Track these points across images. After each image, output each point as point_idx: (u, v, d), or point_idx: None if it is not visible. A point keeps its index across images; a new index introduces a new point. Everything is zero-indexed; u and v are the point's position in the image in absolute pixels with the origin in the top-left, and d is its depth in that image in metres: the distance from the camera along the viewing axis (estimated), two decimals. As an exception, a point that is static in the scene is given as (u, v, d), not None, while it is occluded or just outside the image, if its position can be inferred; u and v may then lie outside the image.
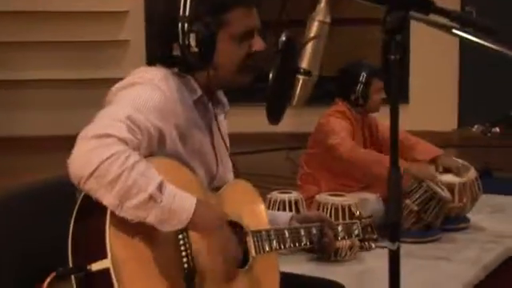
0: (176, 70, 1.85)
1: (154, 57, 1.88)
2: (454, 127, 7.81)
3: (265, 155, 7.08)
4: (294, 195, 3.48)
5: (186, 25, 1.78)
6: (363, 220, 2.27)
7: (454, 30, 1.60)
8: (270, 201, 3.44)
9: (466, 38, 1.65)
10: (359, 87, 3.81)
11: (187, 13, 1.78)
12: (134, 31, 7.43)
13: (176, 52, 1.82)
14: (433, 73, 7.57)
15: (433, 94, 7.59)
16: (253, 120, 6.33)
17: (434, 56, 7.46)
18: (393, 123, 1.44)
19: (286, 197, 3.44)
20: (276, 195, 3.47)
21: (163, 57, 1.85)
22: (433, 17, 1.57)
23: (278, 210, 3.38)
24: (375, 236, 2.27)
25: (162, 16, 1.87)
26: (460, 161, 4.02)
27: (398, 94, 1.46)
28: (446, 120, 7.72)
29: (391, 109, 1.44)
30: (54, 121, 7.42)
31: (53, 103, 7.58)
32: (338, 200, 3.40)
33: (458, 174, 3.91)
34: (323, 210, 3.36)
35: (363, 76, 3.82)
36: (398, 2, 1.46)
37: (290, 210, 3.38)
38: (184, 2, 1.79)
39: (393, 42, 1.45)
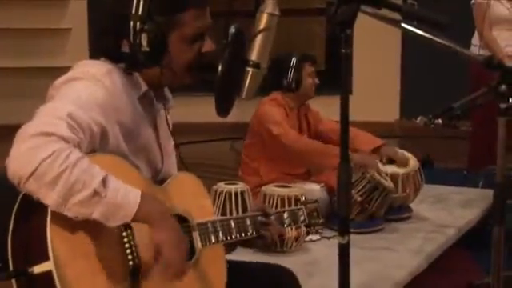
0: (122, 65, 1.82)
1: (100, 51, 1.85)
2: (396, 118, 7.92)
3: (209, 145, 7.07)
4: (240, 186, 3.47)
5: (138, 24, 1.75)
6: (308, 205, 2.27)
7: (403, 25, 1.62)
8: (215, 192, 3.42)
9: (414, 32, 1.67)
10: (291, 71, 3.86)
11: (140, 11, 1.75)
12: (76, 19, 7.31)
13: (125, 49, 1.79)
14: (375, 64, 7.66)
15: (375, 85, 7.69)
16: (197, 110, 6.31)
17: (377, 47, 7.55)
18: (343, 118, 1.44)
19: (232, 188, 3.43)
20: (222, 186, 3.46)
21: (111, 52, 1.82)
22: (381, 11, 1.58)
23: (224, 201, 3.36)
24: (321, 220, 2.29)
25: (110, 12, 1.83)
26: (402, 151, 4.08)
27: (348, 88, 1.46)
28: (389, 111, 7.83)
29: (341, 103, 1.45)
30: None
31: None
32: (283, 191, 3.41)
33: (399, 163, 3.95)
34: (269, 202, 3.37)
35: (294, 60, 3.89)
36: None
37: (236, 201, 3.37)
38: (137, 1, 1.75)
39: (343, 36, 1.45)
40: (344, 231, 1.48)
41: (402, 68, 7.89)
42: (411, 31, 1.68)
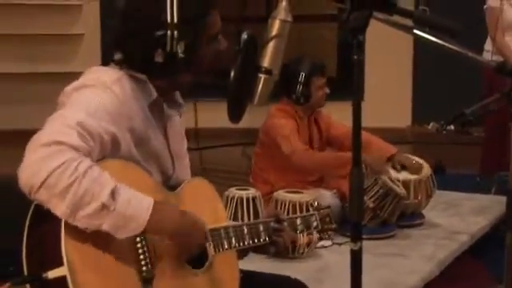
0: (143, 76, 1.80)
1: (124, 62, 1.82)
2: (408, 124, 7.90)
3: (221, 151, 7.07)
4: (251, 192, 3.47)
5: (175, 32, 1.73)
6: (321, 211, 2.27)
7: (415, 31, 1.62)
8: (227, 197, 3.43)
9: (427, 39, 1.66)
10: (298, 87, 3.81)
11: (175, 19, 1.74)
12: (89, 25, 7.33)
13: (158, 59, 1.76)
14: (387, 71, 7.65)
15: (387, 91, 7.67)
16: (208, 115, 6.33)
17: (389, 54, 7.53)
18: (355, 124, 1.44)
19: (243, 193, 3.43)
20: (233, 192, 3.47)
21: (138, 63, 1.80)
22: (393, 17, 1.58)
23: (236, 206, 3.37)
24: (334, 226, 2.28)
25: (140, 20, 1.78)
26: (415, 158, 4.07)
27: (360, 95, 1.46)
28: (401, 117, 7.80)
29: (353, 109, 1.45)
30: (6, 115, 7.29)
31: (4, 97, 7.44)
32: (295, 197, 3.41)
33: (413, 171, 3.95)
34: (281, 208, 3.37)
35: (302, 76, 3.81)
36: (361, 1, 1.46)
37: (248, 206, 3.37)
38: (171, 8, 1.73)
39: (355, 42, 1.45)
40: (356, 237, 1.47)
41: (413, 74, 7.87)
42: (423, 37, 1.68)
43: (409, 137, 7.65)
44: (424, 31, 1.68)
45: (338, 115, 4.09)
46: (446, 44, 1.69)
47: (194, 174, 2.04)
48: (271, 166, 3.92)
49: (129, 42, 1.81)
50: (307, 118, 4.00)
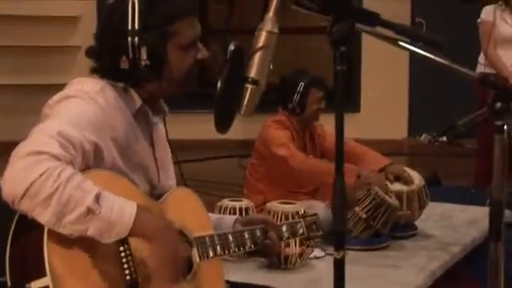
0: (121, 84, 1.83)
1: (98, 70, 1.85)
2: (404, 136, 7.92)
3: (217, 162, 7.09)
4: (244, 203, 3.49)
5: (136, 38, 1.77)
6: (307, 218, 2.27)
7: (401, 43, 1.63)
8: (220, 208, 3.44)
9: (412, 51, 1.68)
10: (296, 96, 3.85)
11: (136, 26, 1.77)
12: (86, 37, 7.34)
13: (124, 65, 1.80)
14: (383, 83, 7.68)
15: (383, 103, 7.69)
16: (204, 127, 6.34)
17: (385, 66, 7.56)
18: (338, 133, 1.46)
19: (236, 204, 3.45)
20: (226, 203, 3.48)
21: (109, 71, 1.83)
22: (381, 29, 1.60)
23: (228, 217, 3.37)
24: (320, 233, 2.28)
25: (105, 30, 1.84)
26: (408, 169, 4.08)
27: (343, 105, 1.48)
28: (396, 129, 7.83)
29: (336, 119, 1.47)
30: (3, 126, 7.30)
31: (1, 108, 7.47)
32: (288, 208, 3.42)
33: (405, 182, 3.96)
34: (273, 218, 3.37)
35: (301, 85, 3.86)
36: (344, 13, 1.48)
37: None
38: (132, 15, 1.77)
39: (338, 53, 1.47)
40: (339, 246, 1.49)
41: (410, 86, 7.90)
42: (409, 49, 1.69)
43: (405, 149, 7.68)
44: (411, 43, 1.70)
45: (333, 126, 4.10)
46: (431, 56, 1.71)
47: (189, 185, 2.05)
48: (266, 176, 3.94)
49: (100, 50, 1.85)
50: (302, 131, 4.02)
